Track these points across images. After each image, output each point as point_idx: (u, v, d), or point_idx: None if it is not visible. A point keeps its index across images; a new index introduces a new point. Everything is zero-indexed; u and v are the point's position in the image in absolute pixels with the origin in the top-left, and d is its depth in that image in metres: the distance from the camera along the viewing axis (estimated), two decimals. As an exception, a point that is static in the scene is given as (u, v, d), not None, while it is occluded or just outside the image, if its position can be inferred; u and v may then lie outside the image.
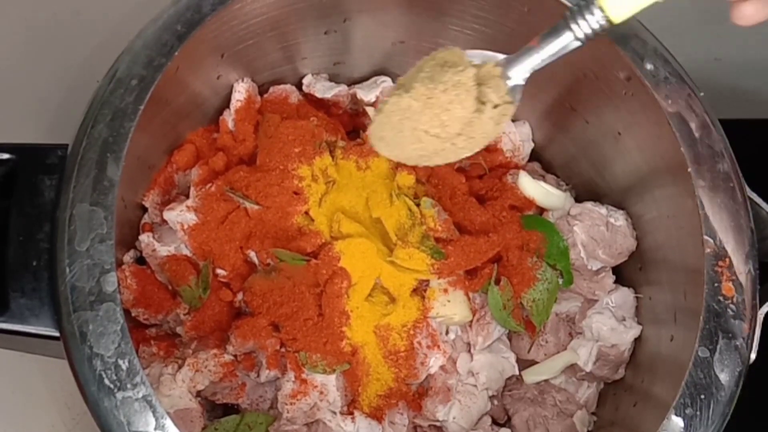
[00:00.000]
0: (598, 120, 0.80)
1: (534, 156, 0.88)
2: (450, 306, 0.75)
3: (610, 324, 0.77)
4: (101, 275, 0.61)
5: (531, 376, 0.79)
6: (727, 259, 0.68)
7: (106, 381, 0.60)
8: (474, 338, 0.77)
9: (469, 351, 0.77)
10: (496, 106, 0.63)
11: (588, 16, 0.60)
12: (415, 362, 0.74)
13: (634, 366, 0.79)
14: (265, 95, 0.82)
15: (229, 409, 0.76)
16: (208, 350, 0.72)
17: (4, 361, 0.87)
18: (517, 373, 0.79)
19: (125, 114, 0.66)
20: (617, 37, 0.72)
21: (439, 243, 0.75)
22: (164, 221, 0.76)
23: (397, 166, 0.77)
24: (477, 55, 0.65)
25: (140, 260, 0.77)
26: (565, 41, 0.62)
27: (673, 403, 0.64)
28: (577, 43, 0.62)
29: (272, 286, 0.72)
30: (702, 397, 0.65)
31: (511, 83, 0.64)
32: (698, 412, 0.64)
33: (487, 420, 0.78)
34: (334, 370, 0.71)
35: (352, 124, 0.87)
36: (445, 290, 0.75)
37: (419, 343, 0.74)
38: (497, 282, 0.77)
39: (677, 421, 0.64)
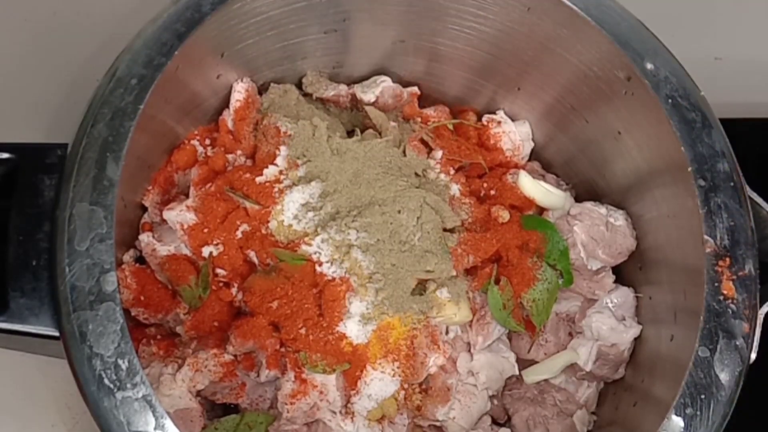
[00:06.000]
0: (598, 119, 0.80)
1: (534, 155, 0.88)
2: (450, 306, 0.75)
3: (609, 323, 0.77)
4: (101, 275, 0.61)
5: (531, 375, 0.79)
6: (727, 259, 0.68)
7: (106, 381, 0.60)
8: (474, 338, 0.77)
9: (469, 351, 0.78)
10: None
11: None
12: (415, 362, 0.74)
13: (634, 365, 0.79)
14: (265, 94, 0.82)
15: (229, 409, 0.76)
16: (208, 350, 0.72)
17: (4, 361, 0.87)
18: (517, 372, 0.79)
19: (125, 113, 0.66)
20: (617, 36, 0.72)
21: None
22: (164, 221, 0.76)
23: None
24: None
25: (140, 260, 0.77)
26: None
27: (673, 403, 0.65)
28: None
29: (272, 286, 0.72)
30: (702, 396, 0.65)
31: None
32: (698, 412, 0.64)
33: (487, 420, 0.78)
34: (334, 370, 0.71)
35: (352, 123, 0.87)
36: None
37: (419, 342, 0.74)
38: (497, 282, 0.77)
39: (677, 421, 0.64)
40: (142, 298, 0.74)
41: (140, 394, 0.60)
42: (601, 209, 0.80)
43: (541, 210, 0.83)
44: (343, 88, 0.84)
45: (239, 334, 0.72)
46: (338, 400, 0.72)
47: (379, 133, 0.82)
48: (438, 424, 0.76)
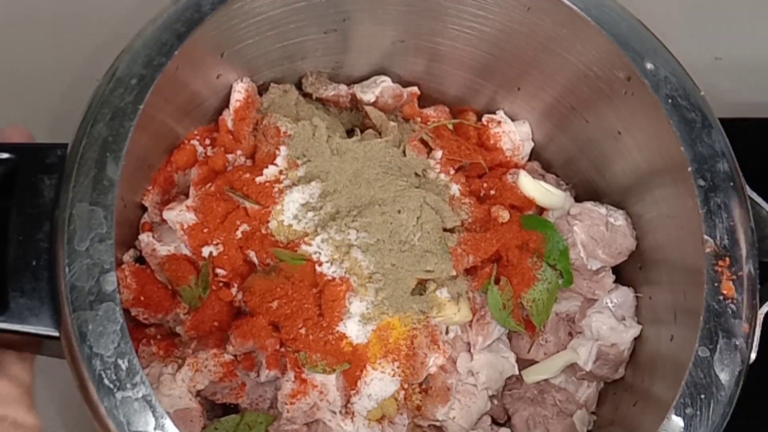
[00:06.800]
0: (598, 119, 0.80)
1: (534, 155, 0.88)
2: (450, 306, 0.75)
3: (609, 323, 0.77)
4: (101, 275, 0.61)
5: (531, 375, 0.79)
6: (727, 259, 0.68)
7: (106, 381, 0.60)
8: (474, 338, 0.77)
9: (469, 350, 0.78)
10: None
11: None
12: (415, 362, 0.74)
13: (634, 365, 0.79)
14: (265, 94, 0.82)
15: (229, 409, 0.76)
16: (207, 350, 0.72)
17: (3, 360, 0.87)
18: (516, 372, 0.79)
19: (125, 113, 0.65)
20: (617, 36, 0.72)
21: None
22: (164, 221, 0.76)
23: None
24: None
25: (140, 260, 0.77)
26: None
27: (673, 403, 0.64)
28: None
29: (272, 286, 0.72)
30: (702, 396, 0.65)
31: None
32: (698, 412, 0.64)
33: (487, 420, 0.78)
34: (334, 370, 0.71)
35: (352, 123, 0.87)
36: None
37: (419, 342, 0.74)
38: (497, 282, 0.77)
39: (677, 421, 0.64)
40: (142, 298, 0.74)
41: (140, 394, 0.60)
42: (601, 209, 0.80)
43: (541, 210, 0.83)
44: (343, 88, 0.84)
45: (239, 334, 0.72)
46: (338, 400, 0.72)
47: (379, 133, 0.82)
48: (438, 424, 0.76)
